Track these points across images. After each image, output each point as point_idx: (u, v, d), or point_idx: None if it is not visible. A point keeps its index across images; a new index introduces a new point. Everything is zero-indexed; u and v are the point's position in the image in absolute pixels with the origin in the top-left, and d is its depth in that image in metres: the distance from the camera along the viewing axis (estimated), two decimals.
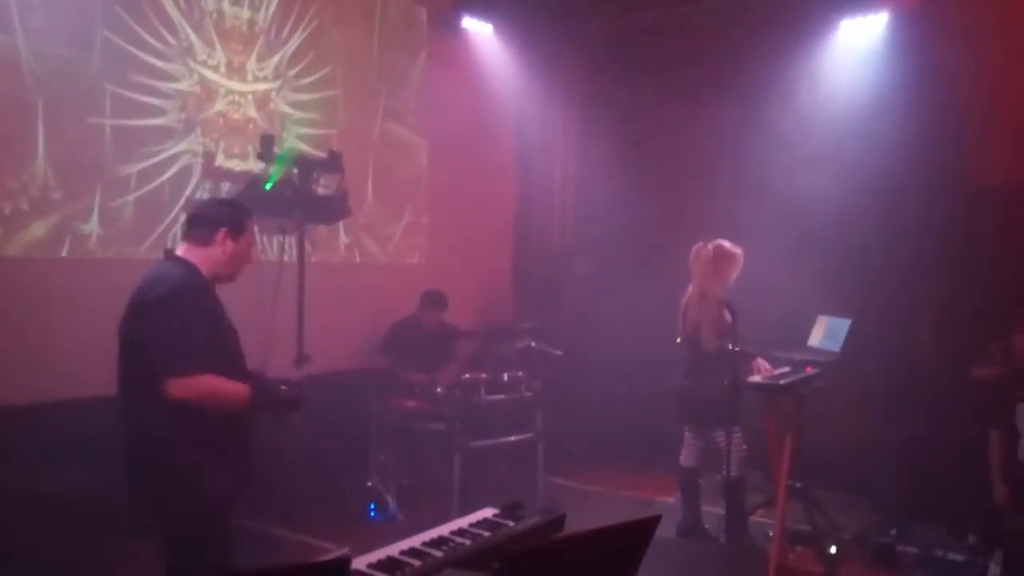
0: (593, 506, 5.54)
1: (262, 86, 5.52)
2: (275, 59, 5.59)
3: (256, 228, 3.17)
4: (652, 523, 1.73)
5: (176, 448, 2.69)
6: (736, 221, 5.40)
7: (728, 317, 4.41)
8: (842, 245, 5.94)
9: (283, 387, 2.96)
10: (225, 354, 2.82)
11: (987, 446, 4.79)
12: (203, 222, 2.92)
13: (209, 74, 5.18)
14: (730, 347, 4.33)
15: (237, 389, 2.77)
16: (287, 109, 5.69)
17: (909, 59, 5.82)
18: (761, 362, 4.60)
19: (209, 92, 5.19)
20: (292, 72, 5.71)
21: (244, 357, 2.97)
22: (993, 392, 4.87)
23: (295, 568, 1.30)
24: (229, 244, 2.92)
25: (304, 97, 5.81)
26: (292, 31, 5.70)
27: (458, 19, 6.90)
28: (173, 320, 2.68)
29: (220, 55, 5.23)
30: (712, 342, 4.56)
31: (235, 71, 5.33)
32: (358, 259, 6.20)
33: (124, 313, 2.77)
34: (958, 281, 5.79)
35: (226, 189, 5.19)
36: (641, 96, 7.03)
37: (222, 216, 2.93)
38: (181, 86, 5.02)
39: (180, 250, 2.92)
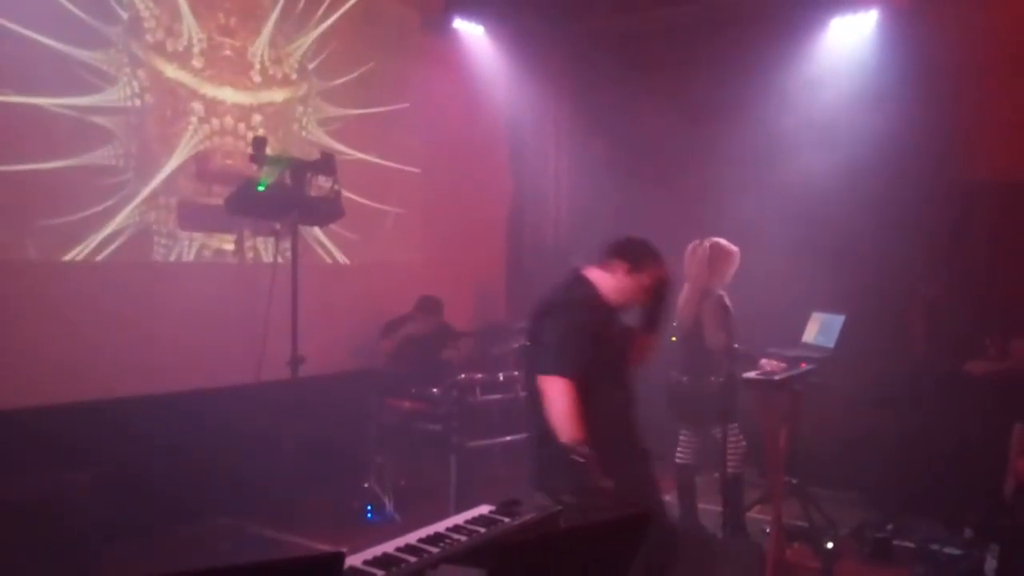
0: None
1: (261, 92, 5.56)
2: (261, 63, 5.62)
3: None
4: (647, 517, 1.73)
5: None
6: (729, 219, 5.40)
7: (729, 314, 4.43)
8: (835, 242, 5.95)
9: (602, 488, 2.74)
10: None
11: (1008, 439, 4.76)
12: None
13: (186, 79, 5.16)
14: (735, 347, 4.35)
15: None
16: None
17: (899, 56, 5.84)
18: (766, 362, 4.60)
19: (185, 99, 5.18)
20: (281, 75, 5.72)
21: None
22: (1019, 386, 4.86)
23: (289, 561, 1.30)
24: None
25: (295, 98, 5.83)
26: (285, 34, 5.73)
27: (449, 21, 6.91)
28: None
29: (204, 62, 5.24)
30: (718, 339, 4.55)
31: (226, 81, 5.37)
32: (351, 260, 6.20)
33: None
34: (951, 276, 5.81)
35: (218, 191, 5.20)
36: (633, 96, 7.05)
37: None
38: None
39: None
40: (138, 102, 4.92)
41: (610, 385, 3.01)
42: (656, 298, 3.18)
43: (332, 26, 6.04)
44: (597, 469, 2.68)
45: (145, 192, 4.94)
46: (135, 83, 4.90)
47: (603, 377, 2.95)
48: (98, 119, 4.70)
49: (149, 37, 4.98)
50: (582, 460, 2.68)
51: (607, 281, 3.10)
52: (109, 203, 4.76)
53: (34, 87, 4.40)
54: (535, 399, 2.92)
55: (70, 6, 4.56)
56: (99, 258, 4.69)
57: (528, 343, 3.04)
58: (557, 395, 2.82)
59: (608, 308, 3.09)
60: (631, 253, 3.12)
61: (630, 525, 1.73)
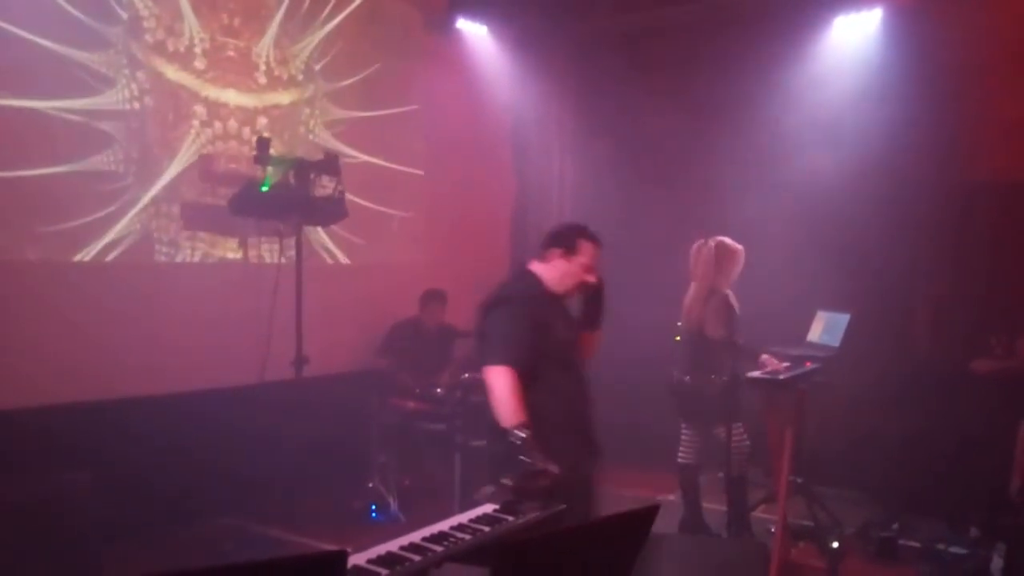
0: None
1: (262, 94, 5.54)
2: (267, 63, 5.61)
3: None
4: (650, 513, 1.73)
5: None
6: (734, 218, 5.39)
7: (734, 312, 4.43)
8: (840, 240, 5.93)
9: (544, 470, 2.70)
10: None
11: (1016, 437, 4.74)
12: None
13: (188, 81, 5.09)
14: (736, 340, 4.34)
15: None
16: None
17: (904, 55, 5.82)
18: (767, 358, 4.60)
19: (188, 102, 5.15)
20: (287, 76, 5.72)
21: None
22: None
23: (292, 559, 1.30)
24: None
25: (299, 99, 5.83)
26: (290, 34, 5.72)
27: (452, 20, 6.91)
28: None
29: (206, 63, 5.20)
30: (719, 333, 4.54)
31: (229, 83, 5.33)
32: (355, 260, 6.20)
33: None
34: (956, 275, 5.79)
35: (222, 192, 5.21)
36: (637, 95, 7.04)
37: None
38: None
39: None
40: (137, 105, 4.85)
41: (558, 375, 3.05)
42: (591, 297, 3.24)
43: (337, 26, 6.02)
44: (536, 451, 2.71)
45: (146, 199, 4.88)
46: (134, 85, 4.82)
47: (550, 367, 3.01)
48: (96, 123, 4.63)
49: (149, 37, 4.90)
50: (520, 442, 2.73)
51: (548, 271, 3.17)
52: (110, 210, 4.71)
53: (29, 89, 4.33)
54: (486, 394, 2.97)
55: (67, 6, 4.49)
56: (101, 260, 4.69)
57: (476, 338, 3.09)
58: (497, 382, 2.86)
59: (553, 298, 3.16)
60: (562, 237, 3.21)
61: (633, 523, 1.72)
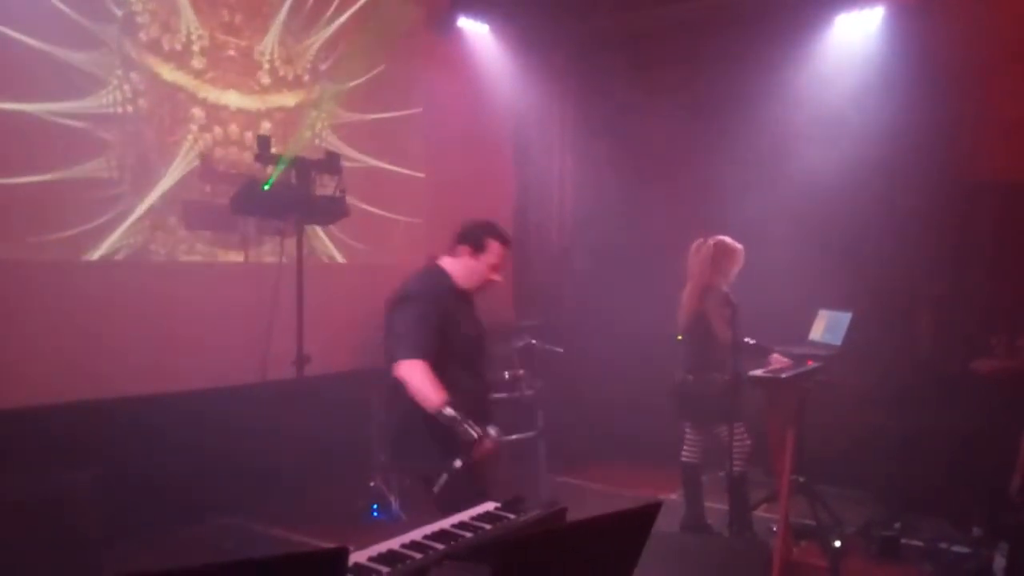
0: (596, 504, 5.52)
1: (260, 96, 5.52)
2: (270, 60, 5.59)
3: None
4: (652, 510, 1.72)
5: None
6: (734, 217, 5.38)
7: (736, 310, 4.42)
8: (841, 239, 5.93)
9: (481, 432, 2.88)
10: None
11: (1019, 435, 4.73)
12: None
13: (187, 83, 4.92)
14: (746, 340, 4.34)
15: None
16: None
17: (906, 53, 5.81)
18: (777, 356, 4.59)
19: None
20: (292, 76, 5.67)
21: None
22: None
23: (292, 557, 1.29)
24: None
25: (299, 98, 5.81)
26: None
27: (454, 19, 6.90)
28: None
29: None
30: (726, 334, 4.53)
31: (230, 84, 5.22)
32: (356, 259, 6.19)
33: None
34: (957, 274, 5.78)
35: (223, 190, 5.20)
36: (638, 94, 7.03)
37: None
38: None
39: None
40: (131, 108, 4.61)
41: (461, 372, 3.09)
42: None
43: (341, 25, 5.93)
44: (469, 421, 2.83)
45: (141, 209, 4.73)
46: (127, 86, 4.57)
47: (454, 364, 3.05)
48: (86, 127, 4.39)
49: (143, 35, 4.65)
50: (455, 416, 2.82)
51: (456, 267, 3.22)
52: (103, 220, 4.58)
53: (10, 90, 4.15)
54: (393, 391, 3.00)
55: (56, 2, 4.29)
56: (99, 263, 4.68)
57: (384, 334, 3.11)
58: (413, 374, 2.91)
59: (459, 295, 3.21)
60: (472, 235, 3.25)
61: (635, 521, 1.71)
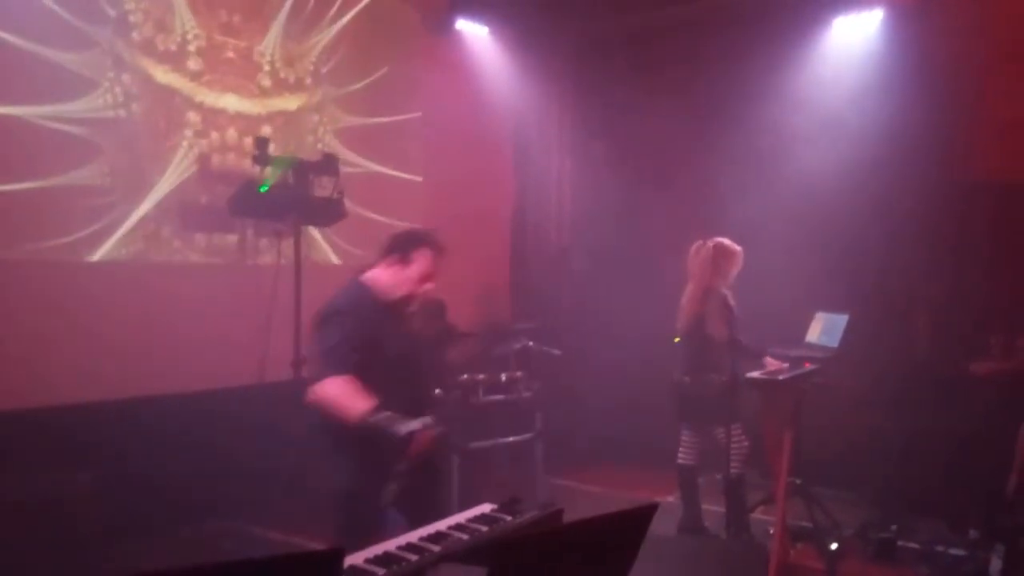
0: (593, 506, 5.50)
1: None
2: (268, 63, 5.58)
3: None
4: (648, 511, 1.72)
5: None
6: (733, 218, 5.39)
7: (731, 312, 4.43)
8: (839, 241, 5.94)
9: (415, 427, 2.80)
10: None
11: (1016, 437, 4.73)
12: None
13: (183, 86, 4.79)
14: (740, 340, 4.35)
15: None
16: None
17: (905, 56, 5.82)
18: (770, 360, 4.60)
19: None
20: (294, 78, 5.64)
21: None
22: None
23: (288, 558, 1.29)
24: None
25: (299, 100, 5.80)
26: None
27: (452, 21, 6.89)
28: None
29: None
30: (722, 333, 4.54)
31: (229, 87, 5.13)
32: (354, 260, 6.18)
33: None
34: (954, 276, 5.79)
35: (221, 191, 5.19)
36: (637, 95, 7.03)
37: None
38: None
39: None
40: (123, 112, 4.44)
41: (392, 384, 2.96)
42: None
43: (342, 27, 5.87)
44: (400, 419, 2.74)
45: (134, 218, 4.61)
46: (119, 89, 4.37)
47: (383, 376, 2.94)
48: (76, 130, 4.23)
49: (136, 34, 4.45)
50: (377, 423, 2.74)
51: (382, 278, 3.14)
52: (97, 227, 4.50)
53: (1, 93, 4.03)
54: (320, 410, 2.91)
55: (46, 1, 4.15)
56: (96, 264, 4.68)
57: (310, 357, 3.06)
58: (332, 388, 2.84)
59: (384, 307, 3.11)
60: (399, 245, 3.18)
61: (631, 522, 1.72)
